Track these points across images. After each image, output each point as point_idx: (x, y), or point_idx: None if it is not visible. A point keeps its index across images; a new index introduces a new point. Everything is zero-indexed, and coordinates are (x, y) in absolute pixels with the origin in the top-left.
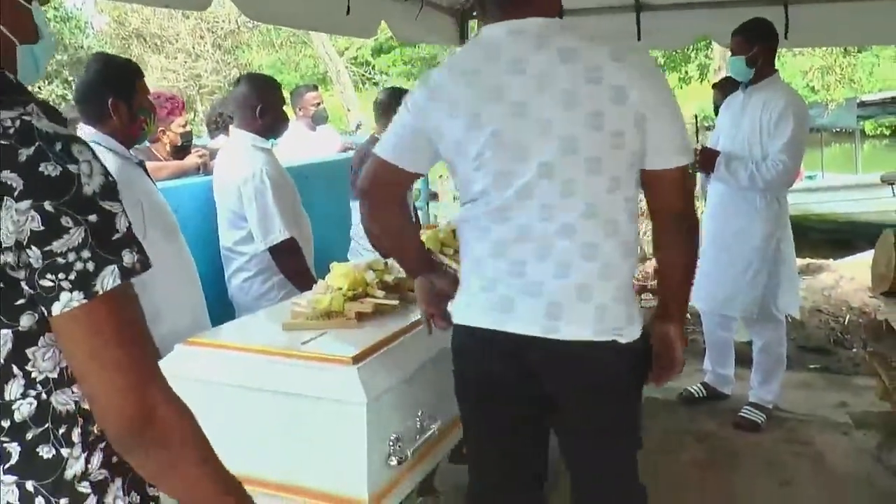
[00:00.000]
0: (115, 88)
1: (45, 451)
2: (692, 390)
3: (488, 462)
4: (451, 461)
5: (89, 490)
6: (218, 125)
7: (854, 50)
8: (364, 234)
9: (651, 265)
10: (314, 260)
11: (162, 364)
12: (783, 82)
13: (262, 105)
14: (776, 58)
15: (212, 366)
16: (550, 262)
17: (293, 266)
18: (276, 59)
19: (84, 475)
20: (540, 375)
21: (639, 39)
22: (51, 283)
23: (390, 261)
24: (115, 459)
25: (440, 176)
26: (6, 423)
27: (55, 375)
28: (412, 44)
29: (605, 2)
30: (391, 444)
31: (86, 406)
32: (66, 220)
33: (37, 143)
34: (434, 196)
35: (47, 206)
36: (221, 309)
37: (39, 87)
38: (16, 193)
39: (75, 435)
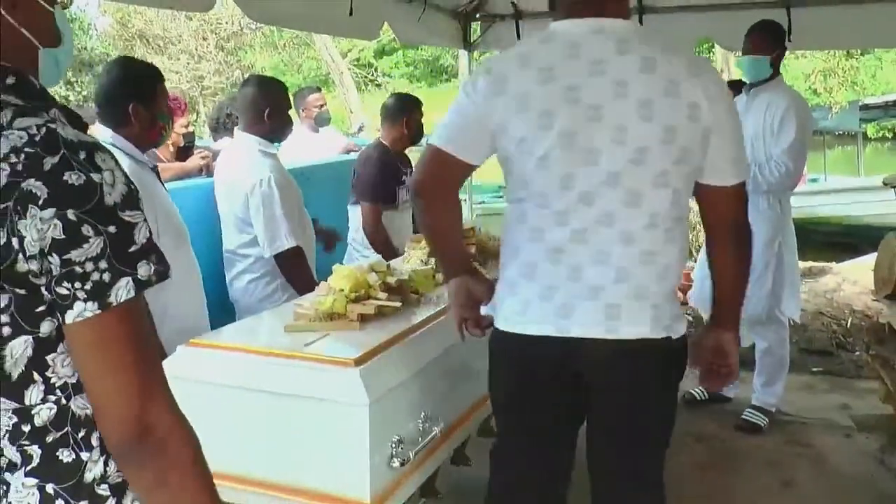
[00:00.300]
0: (137, 93)
1: (65, 455)
2: (694, 393)
3: (526, 465)
4: (453, 463)
5: (108, 493)
6: (224, 126)
7: (856, 53)
8: (361, 239)
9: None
10: (315, 262)
11: (165, 365)
12: (786, 85)
13: (271, 108)
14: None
15: (214, 367)
16: (609, 267)
17: (297, 273)
18: (279, 61)
19: (103, 478)
20: (592, 374)
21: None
22: (66, 292)
23: (393, 263)
24: None
25: None
26: (27, 428)
27: (74, 381)
28: (415, 46)
29: None
30: (393, 445)
31: None
32: (86, 230)
33: (62, 152)
34: None
35: (70, 214)
36: (221, 310)
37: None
38: (40, 202)
39: (94, 438)
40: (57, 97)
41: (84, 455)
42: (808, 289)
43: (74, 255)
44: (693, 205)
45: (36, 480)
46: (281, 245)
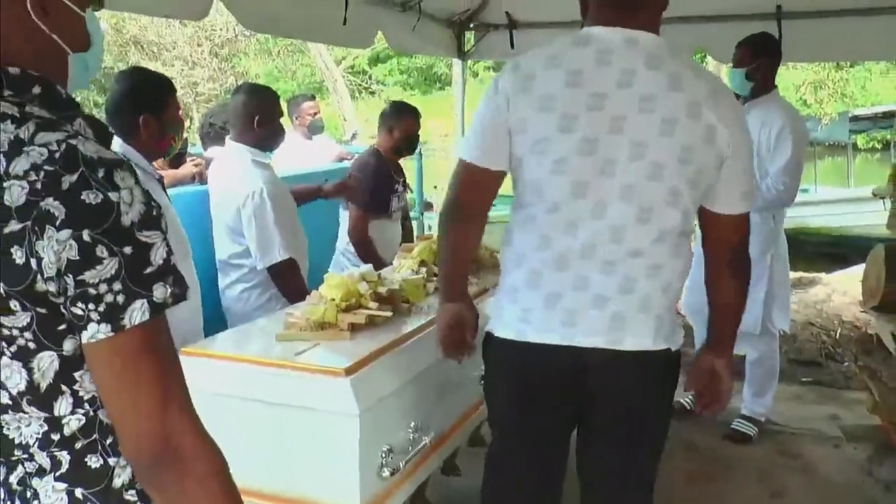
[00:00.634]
0: (148, 104)
1: (94, 461)
2: (683, 402)
3: (523, 469)
4: (443, 473)
5: (136, 498)
6: (209, 136)
7: (846, 65)
8: (348, 245)
9: None
10: (308, 270)
11: None
12: (782, 99)
13: (260, 116)
14: (776, 73)
15: (205, 376)
16: (615, 278)
17: (291, 286)
18: (273, 68)
19: (131, 483)
20: (594, 382)
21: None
22: (81, 312)
23: (383, 272)
24: None
25: (435, 186)
26: (56, 436)
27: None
28: (409, 54)
29: None
30: (383, 455)
31: None
32: (101, 251)
33: (80, 170)
34: (428, 206)
35: (85, 235)
36: (213, 318)
37: None
38: (57, 223)
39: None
40: (89, 102)
41: (112, 461)
42: (797, 299)
43: (88, 276)
44: None
45: (65, 485)
46: (273, 258)
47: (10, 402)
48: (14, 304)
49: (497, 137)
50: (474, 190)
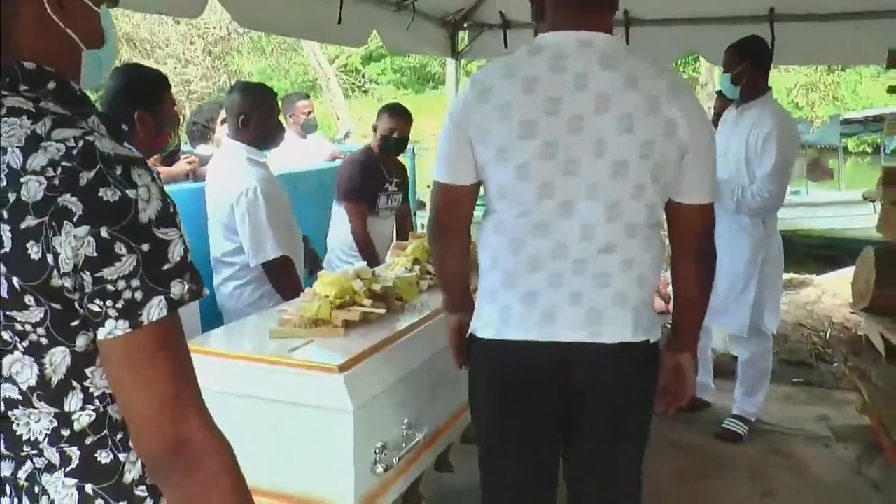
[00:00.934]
0: (143, 100)
1: (104, 456)
2: None
3: (516, 469)
4: (436, 469)
5: (146, 493)
6: (195, 134)
7: (837, 68)
8: (341, 239)
9: None
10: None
11: None
12: (775, 102)
13: (252, 115)
14: (767, 75)
15: (199, 372)
16: (589, 275)
17: (285, 282)
18: (266, 66)
19: (142, 479)
20: (578, 379)
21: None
22: (98, 309)
23: (377, 269)
24: None
25: (427, 185)
26: (66, 432)
27: (112, 391)
28: (403, 54)
29: None
30: (377, 451)
31: None
32: (119, 248)
33: (98, 166)
34: (422, 205)
35: (104, 232)
36: (209, 314)
37: None
38: (75, 218)
39: (132, 441)
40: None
41: (122, 456)
42: (788, 300)
43: (107, 273)
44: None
45: (75, 481)
46: (266, 256)
47: (20, 398)
48: (28, 300)
49: (461, 153)
50: (451, 207)
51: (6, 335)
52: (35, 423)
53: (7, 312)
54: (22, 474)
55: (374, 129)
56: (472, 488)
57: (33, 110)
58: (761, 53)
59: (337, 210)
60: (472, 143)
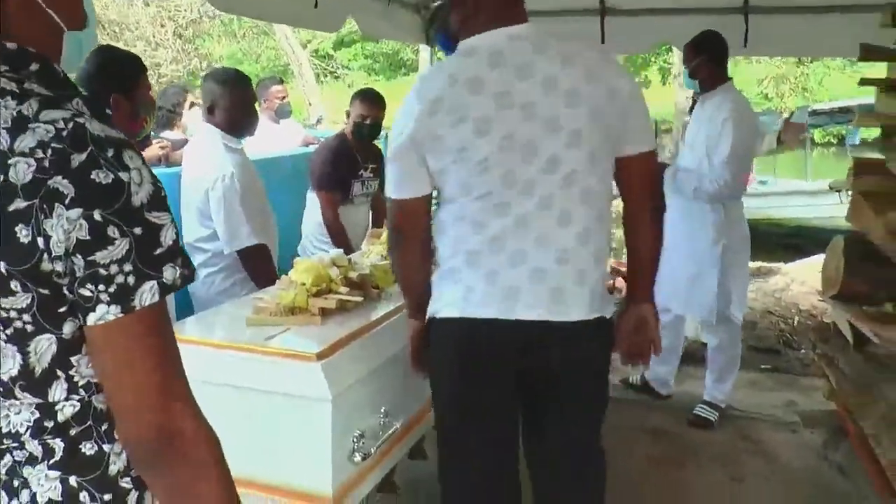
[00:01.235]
0: (118, 83)
1: (88, 448)
2: (631, 380)
3: (481, 447)
4: (410, 457)
5: (131, 485)
6: (161, 121)
7: (807, 60)
8: (315, 227)
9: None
10: (278, 255)
11: None
12: (734, 92)
13: (230, 103)
14: (725, 66)
15: None
16: (551, 249)
17: (260, 271)
18: (238, 50)
19: (126, 471)
20: (540, 356)
21: (602, 43)
22: (89, 294)
23: (353, 256)
24: None
25: None
26: (49, 424)
27: (97, 380)
28: (378, 39)
29: (570, 5)
30: (355, 440)
31: None
32: (112, 231)
33: (89, 148)
34: None
35: (97, 215)
36: (182, 303)
37: None
38: (67, 201)
39: (117, 432)
40: None
41: (107, 447)
42: (756, 288)
43: (99, 256)
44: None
45: (59, 473)
46: (241, 243)
47: (0, 389)
48: (14, 285)
49: (414, 169)
50: (409, 219)
51: None
52: (15, 414)
53: None
54: (2, 467)
55: (348, 115)
56: None
57: (17, 91)
58: (715, 46)
59: (311, 197)
60: (425, 156)
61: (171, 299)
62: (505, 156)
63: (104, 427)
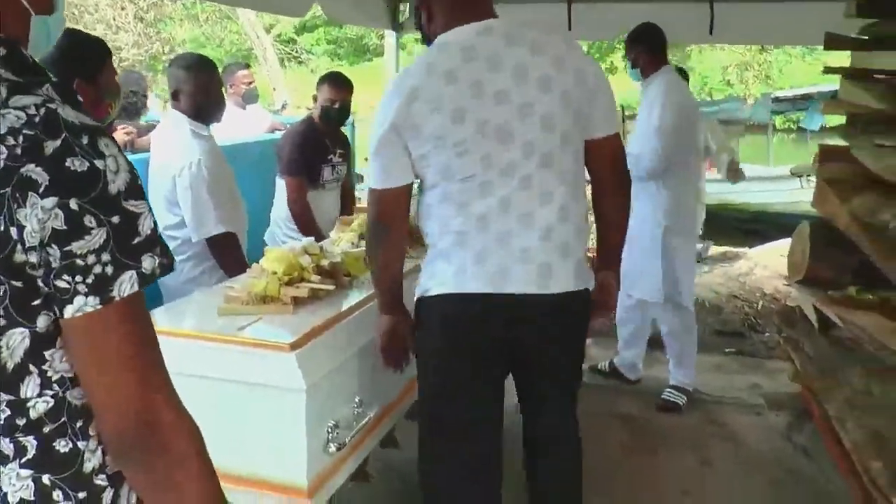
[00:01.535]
0: (82, 68)
1: (62, 445)
2: (599, 367)
3: (468, 423)
4: (381, 446)
5: (106, 483)
6: (128, 110)
7: (770, 48)
8: (284, 215)
9: None
10: (247, 244)
11: None
12: (670, 74)
13: (195, 89)
14: (663, 54)
15: None
16: (535, 227)
17: (229, 260)
18: (200, 34)
19: (102, 468)
20: (526, 323)
21: (569, 29)
22: (66, 285)
23: (324, 244)
24: None
25: (365, 158)
26: (21, 421)
27: (71, 375)
28: (343, 24)
29: None
30: (329, 430)
31: None
32: (89, 220)
33: (63, 135)
34: (360, 178)
35: (72, 204)
36: (149, 292)
37: None
38: (41, 189)
39: (92, 428)
40: None
41: (81, 444)
42: (722, 272)
43: (76, 246)
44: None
45: (31, 472)
46: (208, 231)
47: None
48: None
49: (397, 159)
50: (391, 207)
51: None
52: None
53: None
54: None
55: (315, 99)
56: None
57: None
58: (652, 38)
59: (280, 183)
60: (406, 144)
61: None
62: (481, 140)
63: (79, 424)
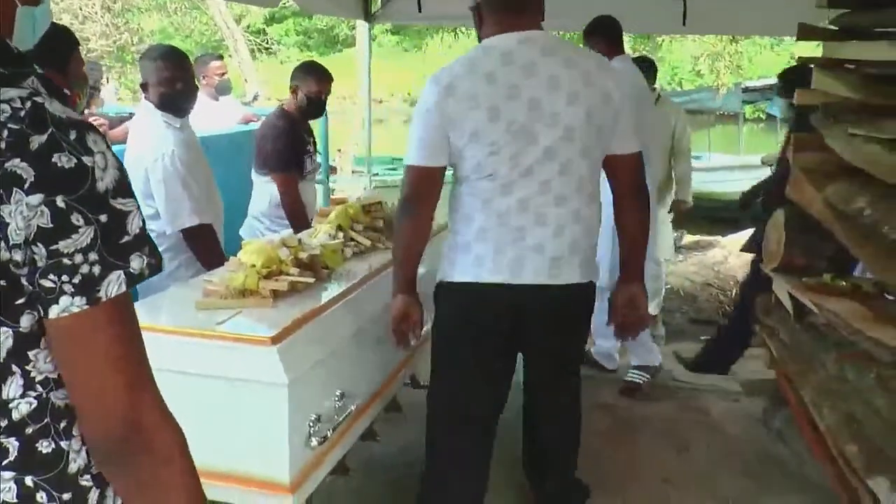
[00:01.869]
0: (50, 59)
1: (45, 446)
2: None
3: (476, 399)
4: (361, 439)
5: (91, 483)
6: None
7: (741, 38)
8: (265, 209)
9: None
10: (224, 236)
11: None
12: (626, 62)
13: (166, 81)
14: (619, 44)
15: None
16: (549, 227)
17: (206, 252)
18: (169, 24)
19: (87, 468)
20: (537, 311)
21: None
22: (52, 285)
23: (302, 236)
24: None
25: (339, 150)
26: (3, 423)
27: (55, 376)
28: (314, 14)
29: None
30: (311, 424)
31: None
32: (76, 218)
33: (50, 130)
34: (333, 170)
35: (59, 201)
36: None
37: None
38: (26, 186)
39: (76, 429)
40: None
41: (65, 444)
42: (697, 261)
43: (62, 245)
44: None
45: (13, 474)
46: (182, 223)
47: None
48: None
49: (437, 139)
50: (425, 185)
51: None
52: None
53: None
54: None
55: (294, 90)
56: (397, 457)
57: None
58: (608, 30)
59: (258, 179)
60: (448, 131)
61: None
62: (511, 140)
63: (62, 424)
